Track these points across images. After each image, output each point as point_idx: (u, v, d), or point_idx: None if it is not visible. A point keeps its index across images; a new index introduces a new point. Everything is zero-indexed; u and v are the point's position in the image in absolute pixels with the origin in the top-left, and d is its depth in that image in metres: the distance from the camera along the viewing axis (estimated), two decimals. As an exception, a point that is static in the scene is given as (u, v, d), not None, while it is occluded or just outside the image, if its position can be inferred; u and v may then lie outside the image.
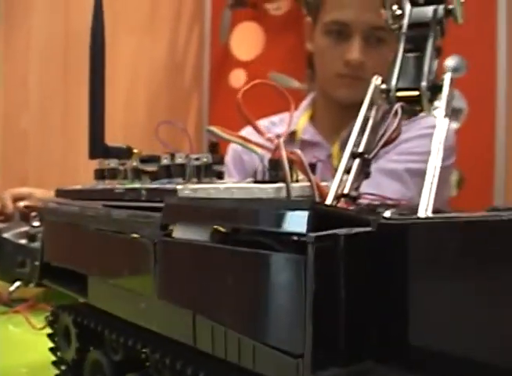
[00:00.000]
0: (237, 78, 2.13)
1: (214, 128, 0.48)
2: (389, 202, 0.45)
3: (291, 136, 1.19)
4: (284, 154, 0.44)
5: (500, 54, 1.85)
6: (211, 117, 2.16)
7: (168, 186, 0.43)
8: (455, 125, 1.40)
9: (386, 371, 0.26)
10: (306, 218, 0.26)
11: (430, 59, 0.51)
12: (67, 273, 0.49)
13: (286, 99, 0.50)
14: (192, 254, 0.34)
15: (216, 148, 0.49)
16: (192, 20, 2.23)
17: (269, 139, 0.47)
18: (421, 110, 0.49)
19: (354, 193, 0.42)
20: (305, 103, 1.28)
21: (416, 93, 0.48)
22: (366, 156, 0.44)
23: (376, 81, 0.50)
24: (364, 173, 0.44)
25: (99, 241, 0.44)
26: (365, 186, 0.50)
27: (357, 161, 0.44)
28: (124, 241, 0.41)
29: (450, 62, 1.86)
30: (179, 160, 0.45)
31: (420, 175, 1.16)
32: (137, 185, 0.46)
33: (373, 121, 0.47)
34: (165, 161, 0.46)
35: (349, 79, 1.12)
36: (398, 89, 0.49)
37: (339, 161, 1.18)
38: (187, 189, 0.41)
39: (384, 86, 0.49)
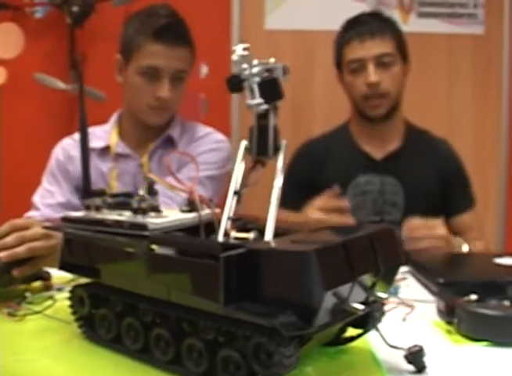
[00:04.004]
0: (-1, 76, 2.21)
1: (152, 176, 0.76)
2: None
3: (106, 150, 1.46)
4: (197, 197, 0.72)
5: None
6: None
7: (142, 220, 0.70)
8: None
9: (249, 304, 0.60)
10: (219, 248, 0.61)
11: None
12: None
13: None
14: (167, 261, 0.67)
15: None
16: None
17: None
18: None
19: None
20: (113, 119, 1.53)
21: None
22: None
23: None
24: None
25: (109, 253, 0.73)
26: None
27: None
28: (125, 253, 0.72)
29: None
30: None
31: (215, 179, 1.54)
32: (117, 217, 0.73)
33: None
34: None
35: (159, 110, 1.44)
36: None
37: (148, 170, 1.50)
38: (153, 223, 0.69)
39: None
